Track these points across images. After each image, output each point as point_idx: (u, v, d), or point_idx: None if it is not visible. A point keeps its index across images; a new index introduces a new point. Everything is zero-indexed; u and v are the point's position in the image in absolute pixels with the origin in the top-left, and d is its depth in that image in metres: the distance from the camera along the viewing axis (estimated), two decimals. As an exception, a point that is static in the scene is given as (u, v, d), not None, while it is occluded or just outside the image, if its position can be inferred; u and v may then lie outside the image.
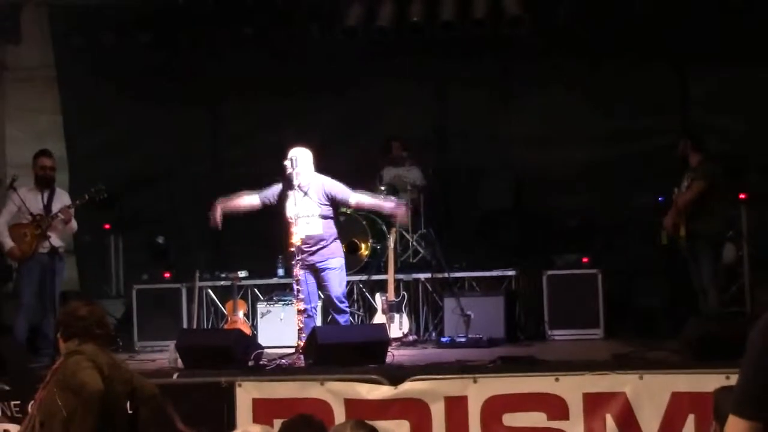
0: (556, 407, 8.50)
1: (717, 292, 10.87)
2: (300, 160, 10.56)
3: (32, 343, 11.13)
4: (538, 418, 8.54)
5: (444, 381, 8.77)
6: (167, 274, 13.07)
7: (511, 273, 12.33)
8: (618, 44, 13.03)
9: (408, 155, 13.25)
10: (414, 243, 12.79)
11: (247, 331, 11.77)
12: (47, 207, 11.30)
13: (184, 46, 13.65)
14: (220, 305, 12.71)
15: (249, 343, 10.36)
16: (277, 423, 5.92)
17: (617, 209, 12.83)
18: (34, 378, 8.85)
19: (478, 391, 8.63)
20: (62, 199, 11.51)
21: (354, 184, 13.01)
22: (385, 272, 12.00)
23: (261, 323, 12.32)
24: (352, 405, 8.72)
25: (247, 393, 8.91)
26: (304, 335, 10.23)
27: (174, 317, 12.56)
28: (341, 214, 12.68)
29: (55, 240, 11.32)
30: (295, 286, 10.66)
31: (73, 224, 11.54)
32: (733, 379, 7.57)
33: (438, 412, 8.63)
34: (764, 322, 3.61)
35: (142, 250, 13.56)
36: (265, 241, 13.09)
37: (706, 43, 13.08)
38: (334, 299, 10.73)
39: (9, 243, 11.22)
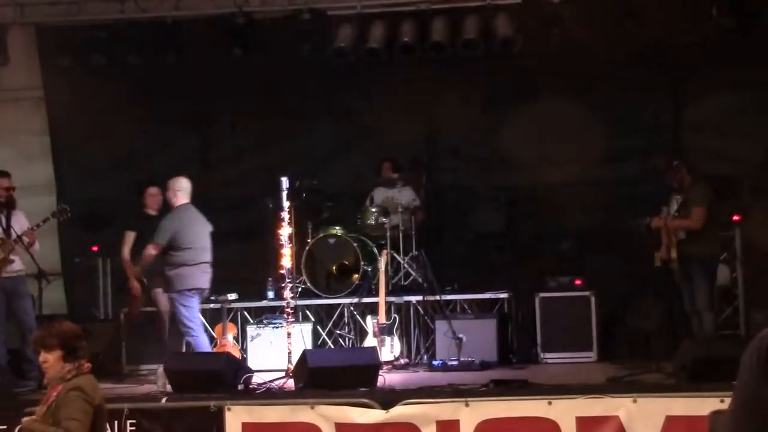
0: (550, 431, 8.42)
1: (713, 315, 10.81)
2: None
3: (17, 368, 10.99)
4: (531, 443, 8.49)
5: (436, 405, 8.72)
6: (156, 298, 12.96)
7: (503, 295, 12.27)
8: (611, 65, 12.97)
9: (399, 176, 13.17)
10: (405, 265, 12.70)
11: (237, 354, 11.69)
12: (6, 230, 11.14)
13: (172, 66, 13.57)
14: (210, 328, 12.60)
15: (238, 366, 10.30)
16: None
17: (610, 231, 12.74)
18: (19, 403, 8.77)
19: (470, 414, 8.58)
20: (20, 220, 11.30)
21: (345, 205, 13.02)
22: (376, 295, 11.94)
23: (251, 346, 12.23)
24: (343, 429, 8.67)
25: (236, 417, 8.85)
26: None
27: (163, 340, 12.44)
28: (331, 236, 12.64)
29: (18, 263, 11.16)
30: (286, 309, 10.63)
31: (36, 246, 11.36)
32: (727, 402, 7.52)
33: (430, 436, 8.55)
34: (756, 342, 3.60)
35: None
36: (255, 263, 13.05)
37: (700, 66, 13.08)
38: None
39: None
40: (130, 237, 11.92)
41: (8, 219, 11.19)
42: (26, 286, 11.35)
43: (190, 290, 11.22)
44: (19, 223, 11.20)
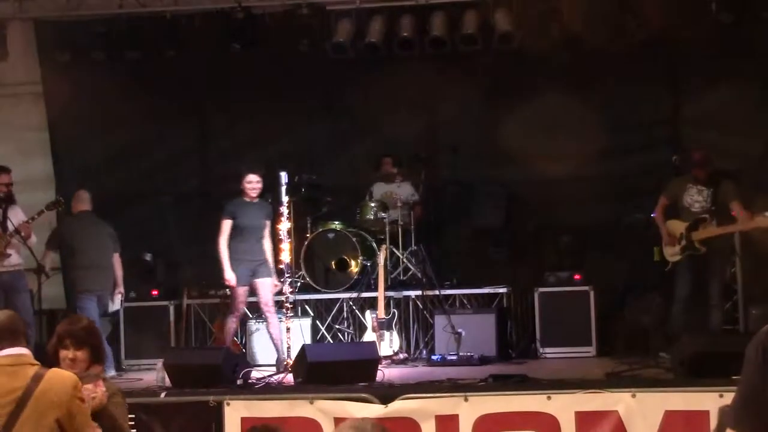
0: (548, 426, 8.45)
1: (722, 311, 10.83)
2: None
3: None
4: (530, 437, 8.49)
5: (435, 399, 8.71)
6: (155, 292, 12.99)
7: (502, 290, 12.28)
8: (611, 60, 12.97)
9: (399, 171, 13.17)
10: (404, 260, 12.70)
11: (236, 349, 11.69)
12: (3, 224, 11.15)
13: (171, 62, 13.58)
14: (209, 323, 12.62)
15: (238, 361, 10.29)
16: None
17: (610, 226, 12.77)
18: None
19: (469, 409, 8.57)
20: (18, 215, 11.33)
21: (344, 200, 13.00)
22: (376, 289, 11.93)
23: (250, 341, 12.24)
24: (342, 424, 8.63)
25: (235, 412, 8.84)
26: None
27: (162, 335, 12.48)
28: (330, 231, 12.64)
29: (15, 258, 11.18)
30: (285, 303, 10.63)
31: (33, 239, 11.39)
32: (727, 397, 7.55)
33: (429, 430, 8.55)
34: (761, 337, 3.63)
35: (129, 268, 13.42)
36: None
37: (699, 60, 13.09)
38: None
39: None
40: (227, 225, 11.38)
41: (5, 214, 11.21)
42: (24, 281, 11.36)
43: (81, 292, 11.70)
44: (17, 218, 11.22)
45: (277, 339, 11.16)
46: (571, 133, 13.15)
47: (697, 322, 10.83)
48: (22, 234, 11.07)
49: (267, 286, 11.35)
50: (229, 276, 11.24)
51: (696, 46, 12.95)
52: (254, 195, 11.43)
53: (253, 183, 11.39)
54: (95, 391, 5.69)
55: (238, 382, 9.73)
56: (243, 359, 10.94)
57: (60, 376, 5.37)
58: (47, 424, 5.28)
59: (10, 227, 11.08)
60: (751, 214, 10.53)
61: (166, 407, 9.08)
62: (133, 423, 8.88)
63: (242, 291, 11.33)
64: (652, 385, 8.82)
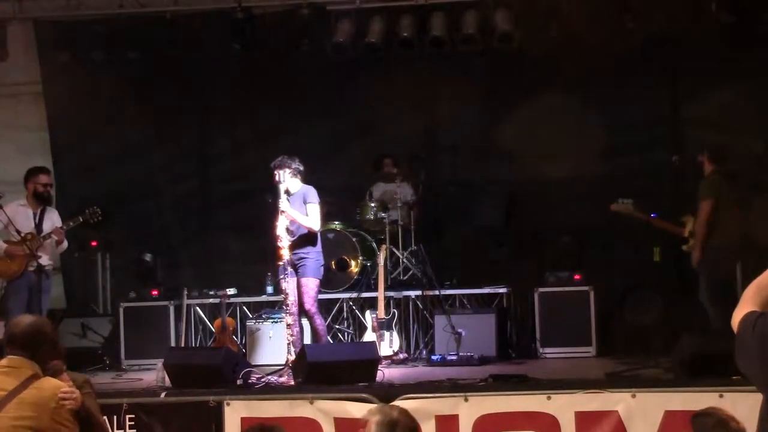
0: (548, 426, 8.46)
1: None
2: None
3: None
4: (530, 437, 8.48)
5: (435, 399, 8.72)
6: (155, 292, 12.98)
7: (502, 290, 12.28)
8: (610, 60, 12.98)
9: (398, 171, 13.17)
10: (404, 260, 12.70)
11: (236, 349, 11.69)
12: (38, 225, 11.25)
13: (171, 61, 13.58)
14: (209, 323, 12.62)
15: (238, 361, 10.28)
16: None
17: (610, 226, 12.75)
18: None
19: (469, 409, 8.57)
20: (52, 217, 11.46)
21: (344, 199, 12.98)
22: (375, 289, 11.94)
23: (250, 341, 12.23)
24: (342, 424, 8.66)
25: (235, 412, 8.84)
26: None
27: (162, 335, 12.47)
28: (330, 231, 12.63)
29: (44, 259, 11.25)
30: (285, 301, 10.60)
31: (64, 244, 11.50)
32: (727, 397, 7.53)
33: (429, 431, 8.54)
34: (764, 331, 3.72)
35: (129, 268, 13.44)
36: (254, 258, 13.05)
37: (699, 60, 13.08)
38: None
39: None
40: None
41: (42, 215, 11.32)
42: (45, 281, 11.40)
43: None
44: (52, 219, 11.37)
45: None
46: (571, 133, 13.16)
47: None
48: (56, 239, 11.22)
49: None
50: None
51: (696, 46, 12.95)
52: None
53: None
54: (74, 392, 5.79)
55: (238, 382, 9.72)
56: (243, 359, 10.93)
57: (49, 383, 5.74)
58: (25, 425, 5.56)
59: (45, 228, 11.18)
60: None
61: (166, 407, 9.09)
62: (133, 423, 8.93)
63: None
64: (652, 385, 8.83)
